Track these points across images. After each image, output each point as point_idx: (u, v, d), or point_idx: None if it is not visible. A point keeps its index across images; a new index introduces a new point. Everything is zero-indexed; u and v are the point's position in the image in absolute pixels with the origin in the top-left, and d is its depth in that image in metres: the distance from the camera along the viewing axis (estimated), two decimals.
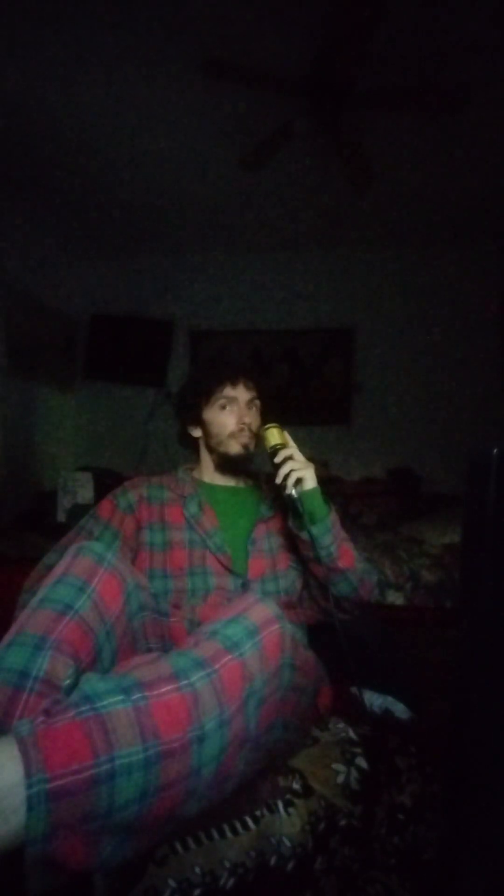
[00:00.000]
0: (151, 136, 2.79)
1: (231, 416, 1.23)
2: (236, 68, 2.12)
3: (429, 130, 2.65)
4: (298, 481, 1.10)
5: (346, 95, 2.22)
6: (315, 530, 1.09)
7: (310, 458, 1.15)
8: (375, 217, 3.61)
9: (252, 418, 1.24)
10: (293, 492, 1.09)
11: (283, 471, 1.10)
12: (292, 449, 1.14)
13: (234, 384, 1.24)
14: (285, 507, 1.18)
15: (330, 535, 1.11)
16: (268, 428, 1.18)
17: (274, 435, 1.17)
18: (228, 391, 1.23)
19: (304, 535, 1.11)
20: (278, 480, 1.11)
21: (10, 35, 2.12)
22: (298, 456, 1.13)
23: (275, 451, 1.14)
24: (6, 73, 2.33)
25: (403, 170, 3.03)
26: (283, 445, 1.15)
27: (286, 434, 1.18)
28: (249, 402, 1.25)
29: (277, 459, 1.12)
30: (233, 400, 1.24)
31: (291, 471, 1.10)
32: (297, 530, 1.12)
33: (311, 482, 1.11)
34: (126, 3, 1.96)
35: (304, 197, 3.38)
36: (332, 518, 1.13)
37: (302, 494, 1.10)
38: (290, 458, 1.12)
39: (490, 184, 3.12)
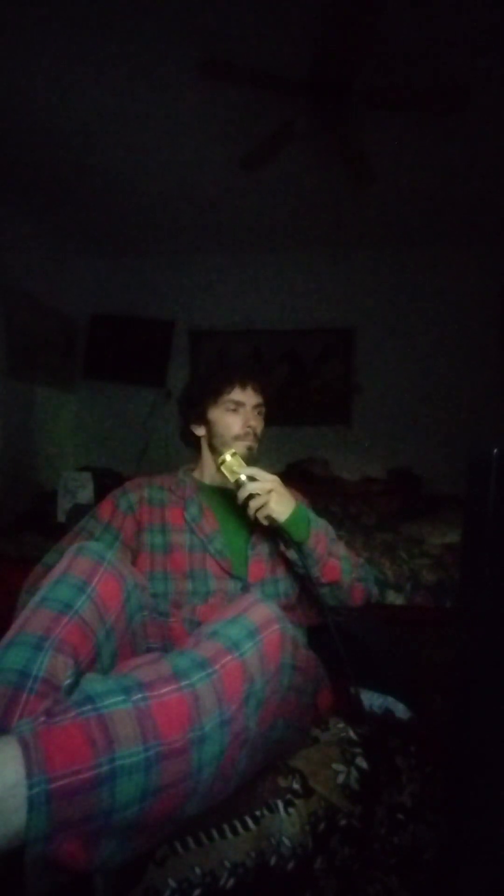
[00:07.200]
0: (151, 136, 2.79)
1: (237, 419, 1.22)
2: (236, 68, 2.12)
3: (429, 130, 2.66)
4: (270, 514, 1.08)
5: (346, 95, 2.21)
6: (294, 553, 1.10)
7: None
8: (375, 217, 3.61)
9: (257, 423, 1.24)
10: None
11: (249, 511, 1.09)
12: (251, 485, 1.08)
13: (243, 387, 1.23)
14: None
15: (311, 558, 1.11)
16: (222, 462, 1.12)
17: (231, 470, 1.11)
18: (237, 394, 1.22)
19: (287, 554, 1.13)
20: (251, 517, 1.10)
21: (9, 36, 2.11)
22: (258, 487, 1.08)
23: (237, 485, 1.10)
24: (5, 73, 2.33)
25: (403, 170, 3.03)
26: (240, 483, 1.09)
27: (241, 465, 1.11)
28: (256, 407, 1.25)
29: (239, 502, 1.10)
30: (240, 404, 1.23)
31: (257, 510, 1.08)
32: (282, 547, 1.14)
33: (282, 515, 1.08)
34: (126, 3, 1.96)
35: (304, 197, 3.37)
36: (313, 542, 1.11)
37: (279, 525, 1.09)
38: (250, 497, 1.08)
39: (490, 184, 3.12)
